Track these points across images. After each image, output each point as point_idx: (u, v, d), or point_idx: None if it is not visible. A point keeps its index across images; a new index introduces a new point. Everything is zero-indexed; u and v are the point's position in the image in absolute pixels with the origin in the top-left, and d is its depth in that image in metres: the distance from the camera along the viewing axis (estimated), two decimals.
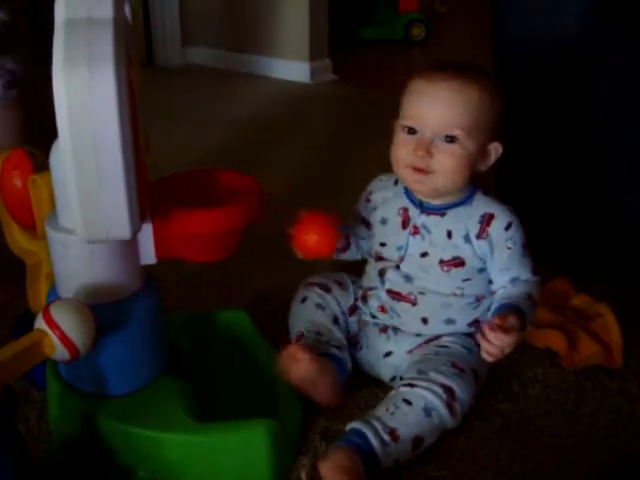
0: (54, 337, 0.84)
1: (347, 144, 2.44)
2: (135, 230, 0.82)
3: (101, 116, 0.74)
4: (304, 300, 1.22)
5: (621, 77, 1.43)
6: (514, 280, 1.12)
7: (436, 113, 1.06)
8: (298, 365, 1.06)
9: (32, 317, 1.13)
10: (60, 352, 0.85)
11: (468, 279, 1.13)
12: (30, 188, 1.06)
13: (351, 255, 1.23)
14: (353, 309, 1.23)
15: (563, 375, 1.23)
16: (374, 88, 3.17)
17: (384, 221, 1.18)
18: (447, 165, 1.06)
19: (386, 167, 1.16)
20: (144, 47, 3.66)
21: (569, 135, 1.51)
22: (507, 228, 1.10)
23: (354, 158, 2.23)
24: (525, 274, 1.12)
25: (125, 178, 0.77)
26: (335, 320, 1.19)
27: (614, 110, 1.46)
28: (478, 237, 1.10)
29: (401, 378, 1.09)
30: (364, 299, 1.21)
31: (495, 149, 1.11)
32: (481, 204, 1.12)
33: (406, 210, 1.15)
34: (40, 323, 0.85)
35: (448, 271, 1.12)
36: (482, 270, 1.13)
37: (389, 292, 1.16)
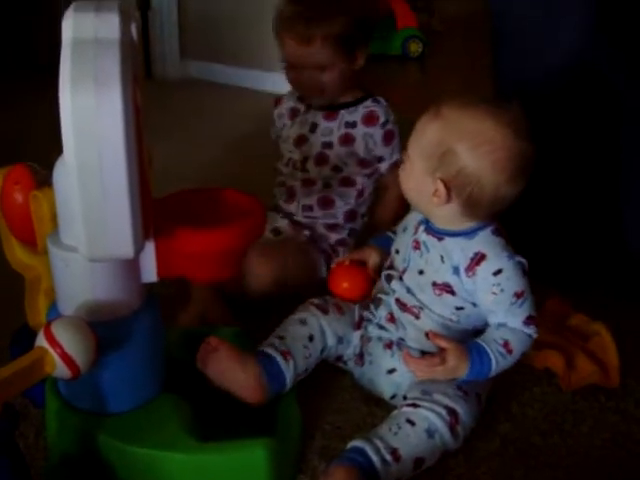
0: (55, 355, 0.84)
1: None
2: (138, 249, 0.83)
3: (107, 135, 0.74)
4: (294, 314, 1.22)
5: (623, 96, 1.43)
6: (500, 326, 1.09)
7: None
8: (214, 355, 1.08)
9: (30, 331, 1.14)
10: (61, 370, 0.85)
11: (461, 308, 1.12)
12: (31, 203, 1.06)
13: None
14: (359, 322, 1.22)
15: (561, 395, 1.23)
16: None
17: (405, 229, 1.20)
18: (401, 179, 1.14)
19: None
20: (143, 60, 3.66)
21: (565, 152, 1.51)
22: (496, 273, 1.07)
23: None
24: (514, 322, 1.09)
25: (130, 197, 0.77)
26: (310, 338, 1.17)
27: (614, 129, 1.47)
28: (466, 273, 1.09)
29: (404, 397, 1.10)
30: (375, 304, 1.20)
31: (439, 186, 1.07)
32: (481, 242, 1.09)
33: (419, 224, 1.16)
34: (41, 341, 0.85)
35: (440, 295, 1.12)
36: (476, 304, 1.11)
37: (397, 301, 1.17)
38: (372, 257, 1.25)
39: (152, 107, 2.98)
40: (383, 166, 1.54)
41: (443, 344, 1.05)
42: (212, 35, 3.50)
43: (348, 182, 1.52)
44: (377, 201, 1.59)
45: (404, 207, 1.28)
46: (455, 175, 1.05)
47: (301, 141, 1.54)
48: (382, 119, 1.52)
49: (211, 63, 3.54)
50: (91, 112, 0.73)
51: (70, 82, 0.73)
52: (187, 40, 3.57)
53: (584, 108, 1.48)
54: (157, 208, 0.97)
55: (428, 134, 1.07)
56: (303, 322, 1.19)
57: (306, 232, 1.50)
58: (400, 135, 1.51)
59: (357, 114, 1.53)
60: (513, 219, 1.51)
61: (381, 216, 1.56)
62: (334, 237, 1.52)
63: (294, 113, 1.58)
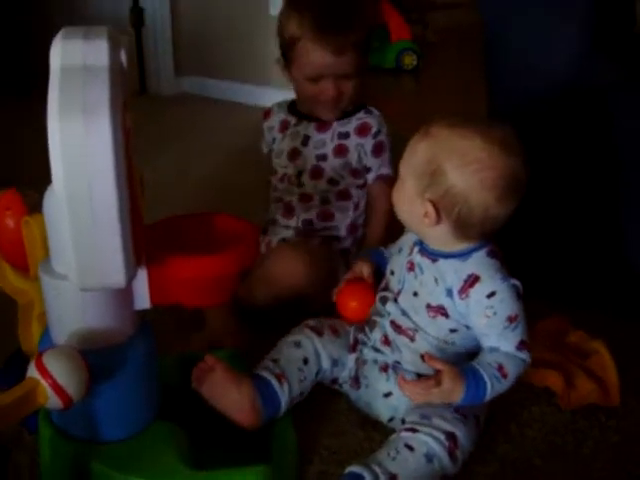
0: (47, 386, 0.83)
1: None
2: (130, 278, 0.82)
3: (97, 164, 0.73)
4: (288, 336, 1.21)
5: (620, 112, 1.43)
6: (493, 350, 1.07)
7: None
8: (210, 375, 1.07)
9: (23, 356, 1.13)
10: (53, 401, 0.84)
11: (455, 330, 1.10)
12: (23, 229, 1.05)
13: None
14: (354, 344, 1.21)
15: (560, 414, 1.22)
16: None
17: (400, 250, 1.19)
18: (393, 197, 1.13)
19: None
20: (137, 76, 3.67)
21: (564, 168, 1.51)
22: (490, 296, 1.05)
23: None
24: (507, 347, 1.06)
25: (121, 227, 0.76)
26: (305, 361, 1.16)
27: (612, 145, 1.46)
28: (459, 295, 1.07)
29: (402, 421, 1.09)
30: (370, 327, 1.19)
31: (428, 207, 1.05)
32: (475, 264, 1.07)
33: (414, 245, 1.14)
34: (33, 372, 0.84)
35: (434, 317, 1.10)
36: (470, 327, 1.09)
37: (392, 323, 1.15)
38: (365, 269, 1.23)
39: (147, 122, 2.99)
40: (370, 177, 1.52)
41: (439, 366, 1.03)
42: (205, 51, 3.51)
43: (345, 195, 1.51)
44: (367, 217, 1.56)
45: (393, 222, 1.26)
46: (443, 195, 1.04)
47: (295, 155, 1.51)
48: (374, 129, 1.50)
49: (205, 78, 3.54)
50: (80, 141, 0.72)
51: (58, 111, 0.72)
52: (181, 56, 3.58)
53: (581, 124, 1.47)
54: (149, 234, 0.96)
55: (418, 153, 1.06)
56: (297, 344, 1.18)
57: (314, 241, 1.49)
58: (393, 150, 1.50)
59: (350, 125, 1.51)
60: (513, 234, 1.51)
61: (371, 234, 1.52)
62: (337, 246, 1.50)
63: (284, 126, 1.55)
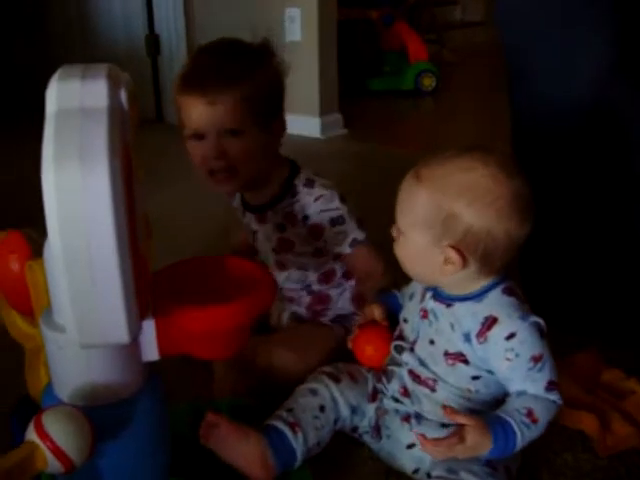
0: (46, 450, 0.77)
1: (358, 201, 2.38)
2: (134, 334, 0.76)
3: (95, 217, 0.68)
4: (304, 384, 1.15)
5: None
6: (520, 394, 1.00)
7: (396, 201, 1.04)
8: (215, 430, 1.03)
9: (31, 402, 1.09)
10: (53, 466, 0.78)
11: (477, 377, 1.03)
12: (27, 274, 1.01)
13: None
14: (374, 394, 1.15)
15: (597, 461, 1.14)
16: (385, 142, 3.13)
17: (411, 296, 1.13)
18: (399, 255, 1.05)
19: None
20: (153, 104, 3.65)
21: (592, 197, 1.45)
22: (509, 338, 0.98)
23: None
24: (534, 389, 0.99)
25: (122, 283, 0.70)
26: (321, 408, 1.11)
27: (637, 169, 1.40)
28: (477, 339, 1.00)
29: (428, 475, 1.03)
30: (387, 377, 1.13)
31: (450, 253, 0.98)
32: (492, 304, 1.01)
33: (426, 291, 1.09)
34: (31, 434, 0.78)
35: (453, 365, 1.03)
36: (493, 372, 1.03)
37: (410, 373, 1.09)
38: (376, 312, 1.16)
39: (163, 151, 2.96)
40: (344, 249, 1.34)
41: (462, 420, 0.95)
42: None
43: (329, 277, 1.40)
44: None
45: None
46: (463, 237, 0.97)
47: (256, 250, 1.43)
48: (300, 215, 1.31)
49: None
50: (76, 192, 0.67)
51: (53, 159, 0.67)
52: None
53: (605, 148, 1.41)
54: (157, 282, 0.91)
55: (419, 203, 0.99)
56: (314, 392, 1.12)
57: (323, 318, 1.42)
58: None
59: (278, 216, 1.34)
60: (541, 266, 1.45)
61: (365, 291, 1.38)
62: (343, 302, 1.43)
63: (241, 212, 1.43)
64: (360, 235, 1.33)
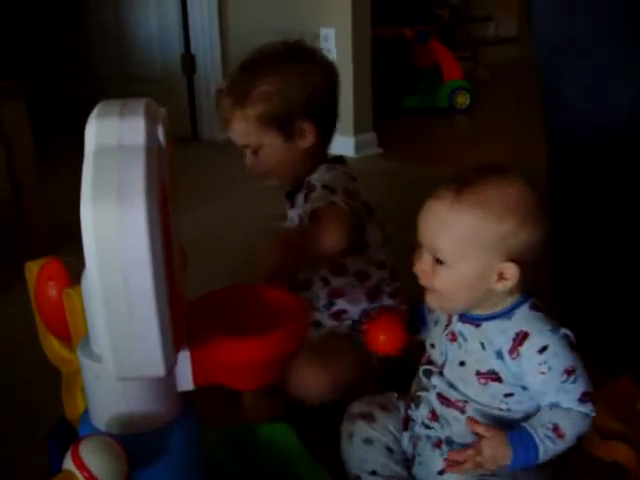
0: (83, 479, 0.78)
1: (392, 222, 2.38)
2: (170, 368, 0.77)
3: (132, 253, 0.69)
4: (351, 436, 1.15)
5: None
6: (553, 406, 1.00)
7: (425, 231, 1.03)
8: None
9: (67, 425, 1.10)
10: None
11: (510, 394, 1.03)
12: (64, 301, 1.02)
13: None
14: (405, 423, 1.15)
15: None
16: (419, 161, 3.13)
17: (437, 321, 1.13)
18: (442, 286, 1.03)
19: None
20: (189, 122, 3.70)
21: (634, 223, 1.43)
22: (541, 351, 0.99)
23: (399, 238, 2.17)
24: (568, 402, 0.99)
25: (159, 318, 0.72)
26: (389, 450, 1.12)
27: None
28: (510, 355, 1.01)
29: None
30: (415, 403, 1.13)
31: (507, 269, 1.00)
32: (521, 320, 1.02)
33: (451, 314, 1.09)
34: (68, 464, 0.80)
35: (485, 384, 1.04)
36: (526, 387, 1.03)
37: (439, 396, 1.09)
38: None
39: (199, 169, 2.99)
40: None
41: (481, 431, 0.97)
42: None
43: (342, 271, 1.41)
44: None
45: None
46: (520, 251, 0.99)
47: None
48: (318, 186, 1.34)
49: None
50: (114, 230, 0.68)
51: (92, 197, 0.69)
52: None
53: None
54: (192, 311, 0.92)
55: (465, 228, 0.99)
56: (368, 441, 1.13)
57: (346, 321, 1.42)
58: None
59: (301, 194, 1.40)
60: (580, 298, 1.44)
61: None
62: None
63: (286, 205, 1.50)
64: (337, 199, 1.31)
